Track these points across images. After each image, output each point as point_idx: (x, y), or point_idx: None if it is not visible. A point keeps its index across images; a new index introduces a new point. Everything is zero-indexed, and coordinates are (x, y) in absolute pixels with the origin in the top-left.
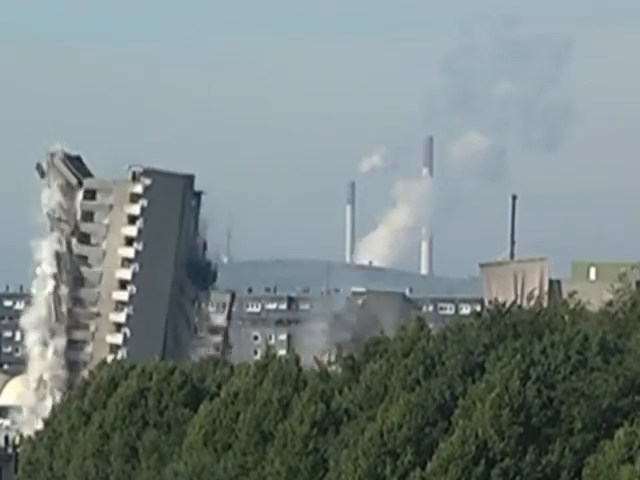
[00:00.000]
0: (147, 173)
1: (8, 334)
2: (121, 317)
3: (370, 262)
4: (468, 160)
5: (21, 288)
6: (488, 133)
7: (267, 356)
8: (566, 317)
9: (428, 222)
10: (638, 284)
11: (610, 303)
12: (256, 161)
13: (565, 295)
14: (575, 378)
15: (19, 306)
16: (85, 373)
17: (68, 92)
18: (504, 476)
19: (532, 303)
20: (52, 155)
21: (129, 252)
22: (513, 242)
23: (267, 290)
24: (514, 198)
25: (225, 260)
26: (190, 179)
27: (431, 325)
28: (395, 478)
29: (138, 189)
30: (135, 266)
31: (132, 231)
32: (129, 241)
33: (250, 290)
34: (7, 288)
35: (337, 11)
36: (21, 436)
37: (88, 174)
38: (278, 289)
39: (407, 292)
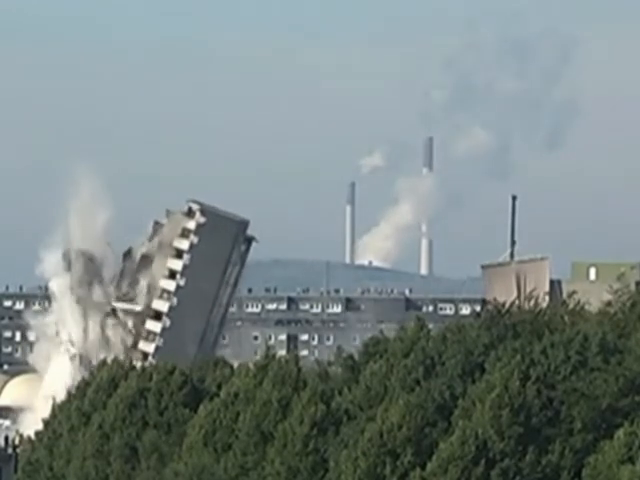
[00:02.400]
0: (203, 211)
1: (8, 334)
2: (150, 348)
3: (370, 262)
4: (468, 160)
5: (21, 288)
6: (489, 133)
7: (267, 356)
8: (566, 317)
9: (429, 219)
10: (638, 284)
11: (609, 303)
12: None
13: (564, 295)
14: (575, 378)
15: (19, 306)
16: None
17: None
18: (504, 476)
19: (532, 303)
20: None
21: (170, 285)
22: (513, 242)
23: (267, 290)
24: (514, 198)
25: None
26: (244, 225)
27: (431, 325)
28: (395, 478)
29: (191, 225)
30: (173, 300)
31: (177, 265)
32: (172, 274)
33: (250, 290)
34: (7, 288)
35: (337, 11)
36: (21, 436)
37: None
38: (278, 289)
39: (407, 292)
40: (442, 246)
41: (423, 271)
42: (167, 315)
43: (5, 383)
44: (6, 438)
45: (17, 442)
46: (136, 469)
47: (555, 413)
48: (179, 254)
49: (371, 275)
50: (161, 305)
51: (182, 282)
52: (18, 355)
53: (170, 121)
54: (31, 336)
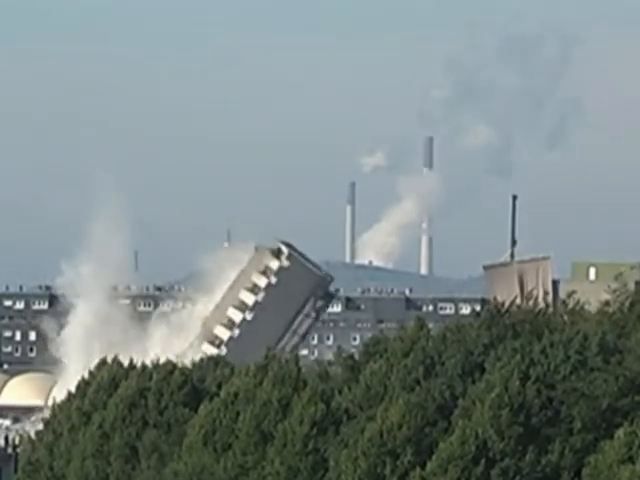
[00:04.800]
0: (290, 256)
1: (8, 334)
2: None
3: (370, 262)
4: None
5: (21, 288)
6: (491, 132)
7: (267, 356)
8: (565, 317)
9: (430, 217)
10: (637, 284)
11: (607, 303)
12: (256, 162)
13: (563, 295)
14: (575, 378)
15: (19, 306)
16: None
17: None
18: (504, 476)
19: (531, 303)
20: None
21: (237, 316)
22: (514, 242)
23: None
24: (514, 198)
25: None
26: (327, 280)
27: (431, 325)
28: (395, 478)
29: (274, 265)
30: (236, 331)
31: (249, 299)
32: (242, 306)
33: None
34: (7, 288)
35: (337, 10)
36: (21, 436)
37: None
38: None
39: (407, 292)
40: (442, 245)
41: (423, 271)
42: (225, 344)
43: (5, 383)
44: (6, 438)
45: (17, 442)
46: (136, 469)
47: (555, 413)
48: (254, 289)
49: (371, 275)
50: (222, 332)
51: (249, 317)
52: (18, 355)
53: (169, 120)
54: (31, 336)
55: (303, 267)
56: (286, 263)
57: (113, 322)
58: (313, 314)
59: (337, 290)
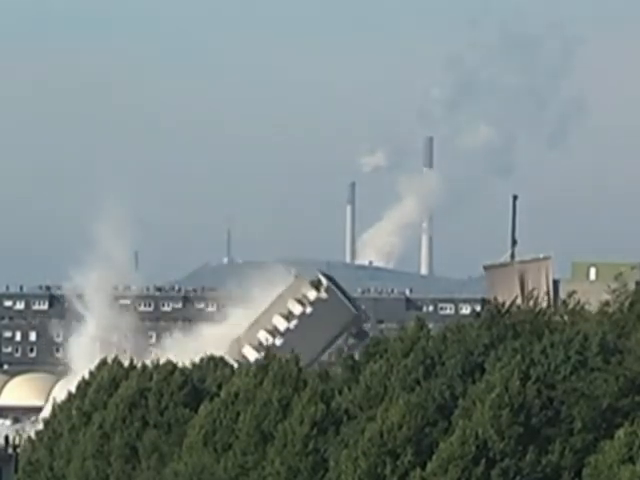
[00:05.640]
0: (329, 289)
1: (8, 334)
2: None
3: (370, 262)
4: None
5: (21, 288)
6: (492, 131)
7: (267, 356)
8: (565, 317)
9: (430, 216)
10: (637, 284)
11: (607, 303)
12: (257, 162)
13: (563, 295)
14: (575, 378)
15: (19, 306)
16: None
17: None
18: (504, 476)
19: (531, 303)
20: None
21: (267, 339)
22: (514, 242)
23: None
24: (515, 198)
25: (225, 260)
26: (361, 319)
27: (431, 325)
28: (395, 478)
29: (311, 295)
30: (262, 354)
31: (282, 325)
32: (273, 330)
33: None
34: (7, 288)
35: (337, 10)
36: (21, 436)
37: None
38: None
39: (407, 292)
40: (442, 245)
41: (423, 271)
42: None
43: (5, 383)
44: (6, 438)
45: (17, 442)
46: (136, 469)
47: (555, 413)
48: (288, 316)
49: (371, 275)
50: (250, 353)
51: (278, 342)
52: (18, 355)
53: (169, 120)
54: (31, 336)
55: (340, 302)
56: (324, 295)
57: (120, 328)
58: (345, 351)
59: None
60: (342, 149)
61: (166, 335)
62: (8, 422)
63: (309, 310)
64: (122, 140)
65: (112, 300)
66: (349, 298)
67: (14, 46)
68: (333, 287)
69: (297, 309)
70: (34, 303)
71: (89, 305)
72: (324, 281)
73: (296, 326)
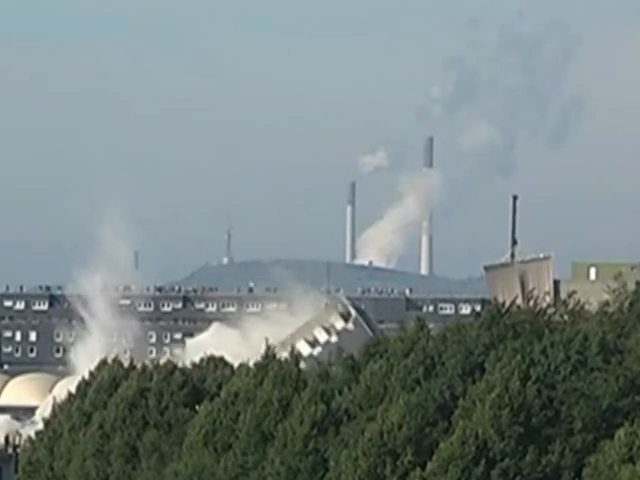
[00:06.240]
0: (357, 321)
1: (8, 334)
2: None
3: (370, 262)
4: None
5: (21, 288)
6: (492, 131)
7: (267, 356)
8: (565, 317)
9: (430, 216)
10: (637, 284)
11: (607, 303)
12: (257, 162)
13: (564, 295)
14: (575, 378)
15: (19, 306)
16: None
17: None
18: (504, 476)
19: (531, 303)
20: None
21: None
22: (514, 242)
23: (267, 290)
24: (515, 198)
25: (225, 260)
26: None
27: (431, 325)
28: (395, 478)
29: (339, 325)
30: None
31: (305, 350)
32: (296, 356)
33: (251, 290)
34: (7, 288)
35: (337, 9)
36: (21, 436)
37: None
38: (278, 289)
39: (407, 292)
40: (443, 245)
41: (423, 271)
42: None
43: (5, 383)
44: (6, 438)
45: (17, 442)
46: (136, 469)
47: (555, 413)
48: (313, 343)
49: (371, 275)
50: None
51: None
52: (18, 355)
53: (169, 119)
54: (31, 336)
55: (366, 333)
56: (351, 326)
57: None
58: None
59: (337, 290)
60: (342, 149)
61: (168, 336)
62: (8, 417)
63: (334, 339)
64: (122, 140)
65: (113, 300)
66: (374, 330)
67: (14, 46)
68: (361, 320)
69: (322, 337)
70: (34, 303)
71: (92, 307)
72: (353, 312)
73: (319, 354)
